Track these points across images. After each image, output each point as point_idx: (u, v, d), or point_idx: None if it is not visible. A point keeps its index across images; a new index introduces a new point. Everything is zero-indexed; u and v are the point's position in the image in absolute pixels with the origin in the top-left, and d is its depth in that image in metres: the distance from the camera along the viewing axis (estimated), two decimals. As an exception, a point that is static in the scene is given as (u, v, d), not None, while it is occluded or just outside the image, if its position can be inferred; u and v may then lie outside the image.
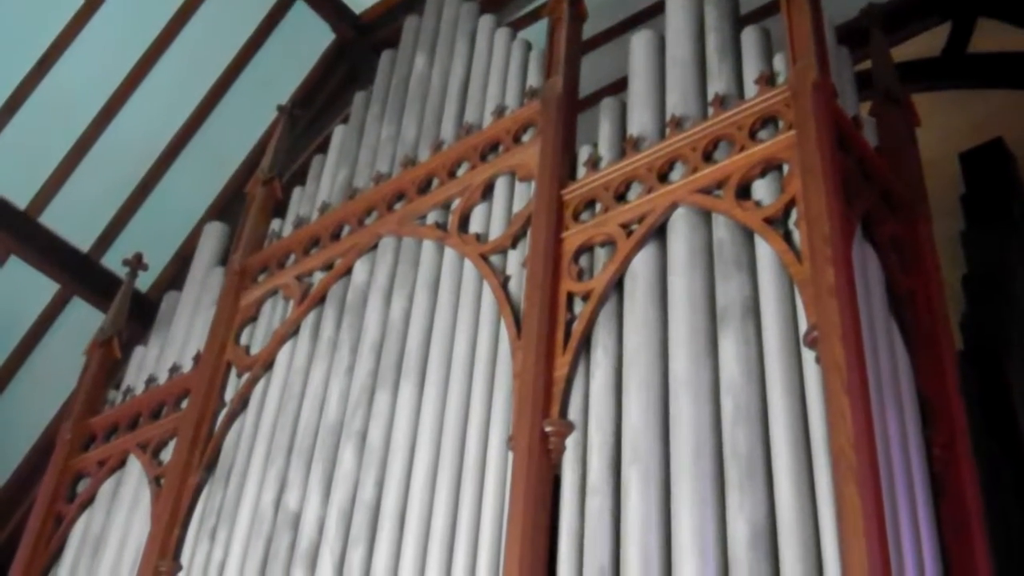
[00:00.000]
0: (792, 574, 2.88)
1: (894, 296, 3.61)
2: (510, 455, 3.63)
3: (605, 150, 4.19)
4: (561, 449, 3.56)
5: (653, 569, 3.09)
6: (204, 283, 5.67)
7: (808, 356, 3.20)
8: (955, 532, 3.30)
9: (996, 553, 3.35)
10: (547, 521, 3.45)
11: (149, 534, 4.59)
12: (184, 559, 4.47)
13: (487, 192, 4.51)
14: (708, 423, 3.27)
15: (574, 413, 3.62)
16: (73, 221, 6.99)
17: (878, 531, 2.79)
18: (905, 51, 5.79)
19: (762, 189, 3.60)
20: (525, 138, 4.51)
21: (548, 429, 3.58)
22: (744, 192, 3.63)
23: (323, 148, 5.87)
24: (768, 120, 3.72)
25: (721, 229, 3.62)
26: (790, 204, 3.47)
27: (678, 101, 4.06)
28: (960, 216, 5.66)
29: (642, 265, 3.75)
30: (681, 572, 3.01)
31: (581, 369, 3.71)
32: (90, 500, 5.18)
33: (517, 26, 6.07)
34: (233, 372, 4.96)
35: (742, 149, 3.69)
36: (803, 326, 3.25)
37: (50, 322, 7.16)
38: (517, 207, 4.32)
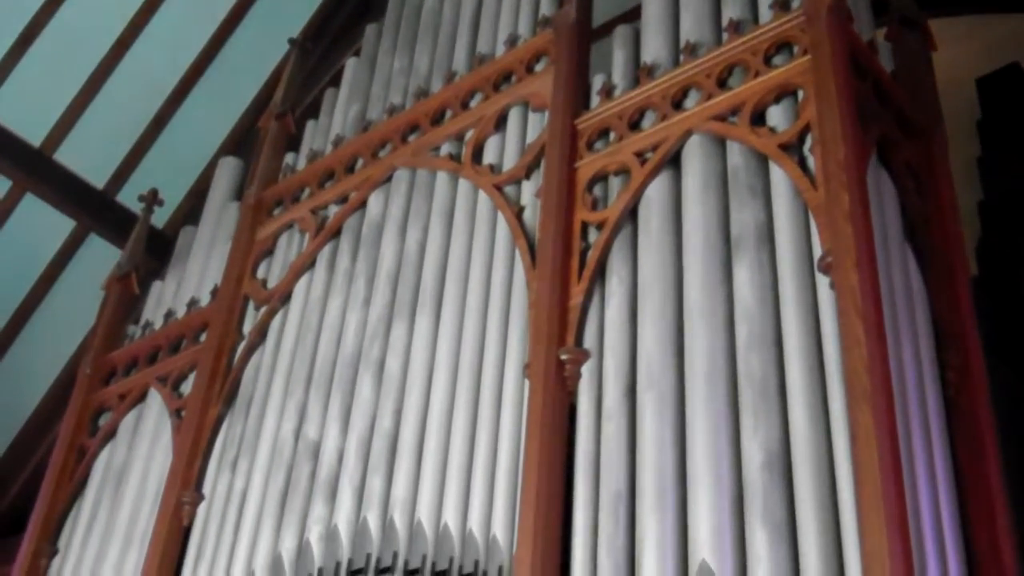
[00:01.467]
0: (806, 497, 2.91)
1: (909, 221, 3.60)
2: (526, 383, 3.66)
3: (619, 78, 4.17)
4: (577, 376, 3.59)
5: (668, 493, 3.12)
6: (220, 218, 5.69)
7: (822, 281, 3.20)
8: (969, 455, 3.32)
9: (1009, 475, 3.37)
10: (563, 447, 3.49)
11: (171, 465, 4.66)
12: (206, 489, 4.53)
13: (500, 123, 4.50)
14: (722, 349, 3.29)
15: (589, 341, 3.65)
16: (88, 158, 7.01)
17: (892, 454, 2.81)
18: (922, -26, 5.71)
19: (777, 115, 3.58)
20: (538, 68, 4.49)
21: (564, 357, 3.60)
22: (759, 118, 3.62)
23: (335, 81, 5.85)
24: (783, 45, 3.69)
25: (736, 156, 3.61)
26: (805, 130, 3.46)
27: (692, 27, 4.03)
28: (976, 141, 5.62)
29: (656, 193, 3.75)
30: (696, 496, 3.05)
31: (596, 297, 3.73)
32: (112, 433, 5.25)
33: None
34: (250, 305, 5.00)
35: (757, 75, 3.67)
36: (817, 252, 3.25)
37: (67, 259, 7.20)
38: (531, 137, 4.32)
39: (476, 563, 3.43)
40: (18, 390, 7.16)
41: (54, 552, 5.07)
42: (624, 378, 3.47)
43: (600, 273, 3.75)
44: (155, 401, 5.11)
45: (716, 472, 3.06)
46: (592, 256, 3.77)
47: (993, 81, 5.80)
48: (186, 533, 4.47)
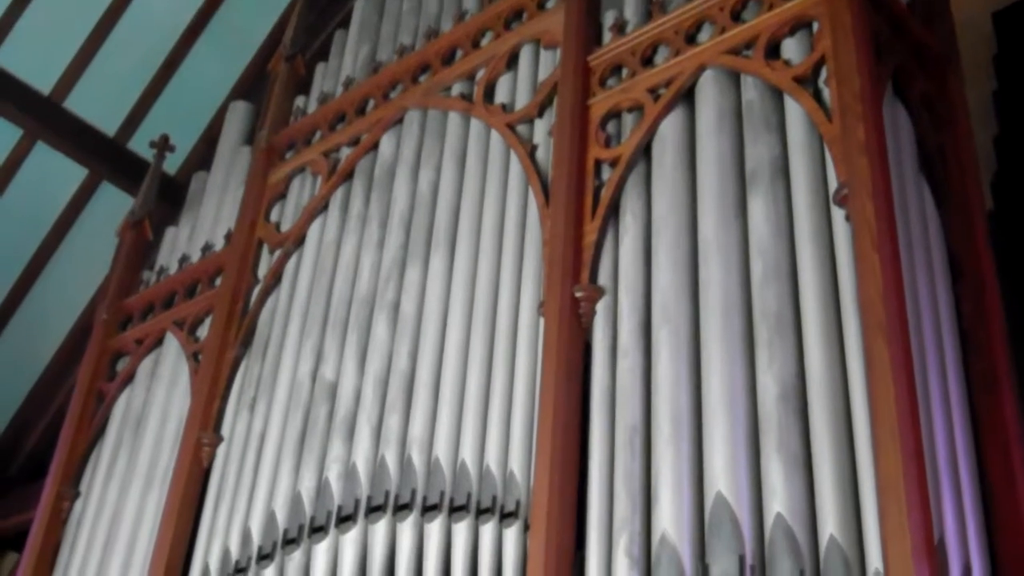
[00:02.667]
0: (821, 429, 2.92)
1: (925, 154, 3.58)
2: (541, 321, 3.67)
3: (631, 14, 4.14)
4: (591, 314, 3.60)
5: (684, 426, 3.14)
6: (232, 162, 5.70)
7: (838, 214, 3.20)
8: (984, 389, 3.33)
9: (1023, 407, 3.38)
10: (579, 384, 3.51)
11: (189, 408, 4.70)
12: (225, 431, 4.57)
13: (512, 61, 4.47)
14: (737, 283, 3.29)
15: (604, 278, 3.65)
16: (98, 105, 6.99)
17: (907, 386, 2.82)
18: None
19: (792, 48, 3.55)
20: (549, 4, 4.45)
21: (578, 294, 3.61)
22: (773, 51, 3.59)
23: (345, 23, 5.81)
24: (797, -24, 3.66)
25: (750, 90, 3.59)
26: (820, 62, 3.43)
27: (704, -40, 3.99)
28: (992, 76, 5.57)
29: (670, 129, 3.73)
30: (712, 428, 3.07)
31: (610, 234, 3.73)
32: (130, 378, 5.29)
33: None
34: (265, 249, 5.01)
35: (771, 7, 3.64)
36: (833, 185, 3.24)
37: (80, 207, 7.21)
38: (543, 75, 4.29)
39: (494, 498, 3.46)
40: (35, 338, 7.21)
41: (76, 495, 5.13)
42: (639, 314, 3.48)
43: (614, 210, 3.75)
44: (172, 345, 5.14)
45: (731, 405, 3.07)
46: (606, 193, 3.76)
47: (1009, 15, 5.72)
48: (206, 474, 4.52)
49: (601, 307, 3.60)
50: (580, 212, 3.77)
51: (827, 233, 3.22)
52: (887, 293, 2.91)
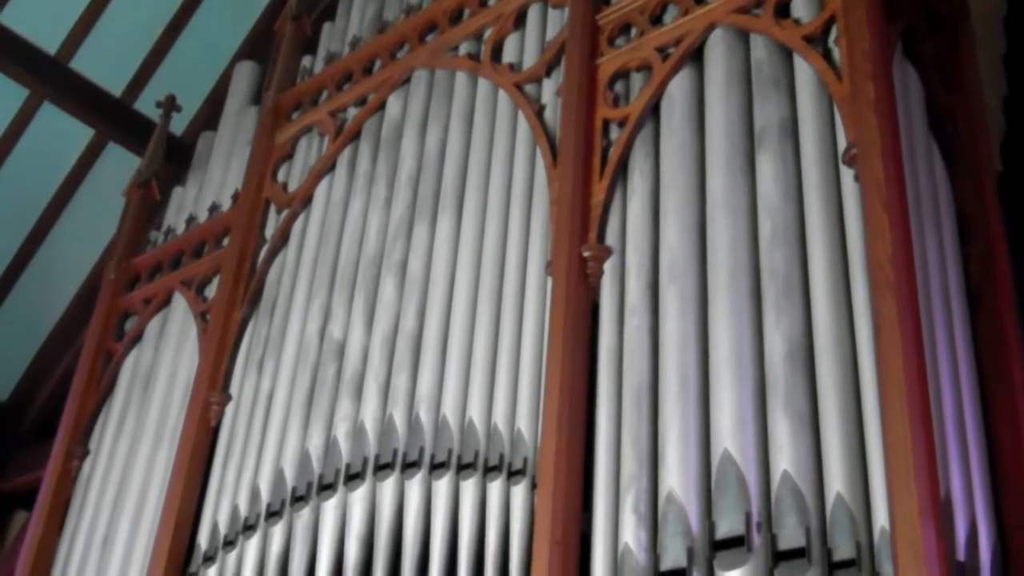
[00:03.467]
0: (829, 387, 2.93)
1: (934, 115, 3.57)
2: (549, 281, 3.68)
3: (640, -28, 4.11)
4: (599, 273, 3.60)
5: (691, 385, 3.15)
6: (238, 123, 5.69)
7: (847, 174, 3.19)
8: (991, 349, 3.34)
9: (1031, 367, 3.38)
10: (586, 344, 3.52)
11: (198, 367, 4.72)
12: (233, 390, 4.60)
13: (519, 20, 4.46)
14: (745, 244, 3.29)
15: (612, 238, 3.65)
16: (104, 65, 6.96)
17: (915, 345, 2.82)
18: None
19: (801, 7, 3.53)
20: (557, -37, 4.43)
21: (586, 254, 3.61)
22: (783, 10, 3.57)
23: (352, -18, 5.77)
24: (807, -67, 3.63)
25: (759, 49, 3.58)
26: (830, 21, 3.42)
27: (714, -84, 3.96)
28: (1002, 38, 5.53)
29: (679, 89, 3.72)
30: (719, 387, 3.08)
31: (618, 194, 3.73)
32: (138, 337, 5.31)
33: None
34: (272, 209, 5.02)
35: (780, -34, 3.62)
36: (842, 144, 3.23)
37: (87, 168, 7.19)
38: (550, 34, 4.28)
39: (501, 456, 3.48)
40: (43, 299, 7.22)
41: (85, 453, 5.16)
42: (647, 274, 3.48)
43: (622, 170, 3.74)
44: (180, 305, 5.15)
45: (739, 364, 3.08)
46: (614, 153, 3.75)
47: (1020, -24, 5.68)
48: (215, 433, 4.54)
49: (609, 267, 3.60)
50: (588, 172, 3.76)
51: (836, 193, 3.22)
52: (896, 253, 2.91)
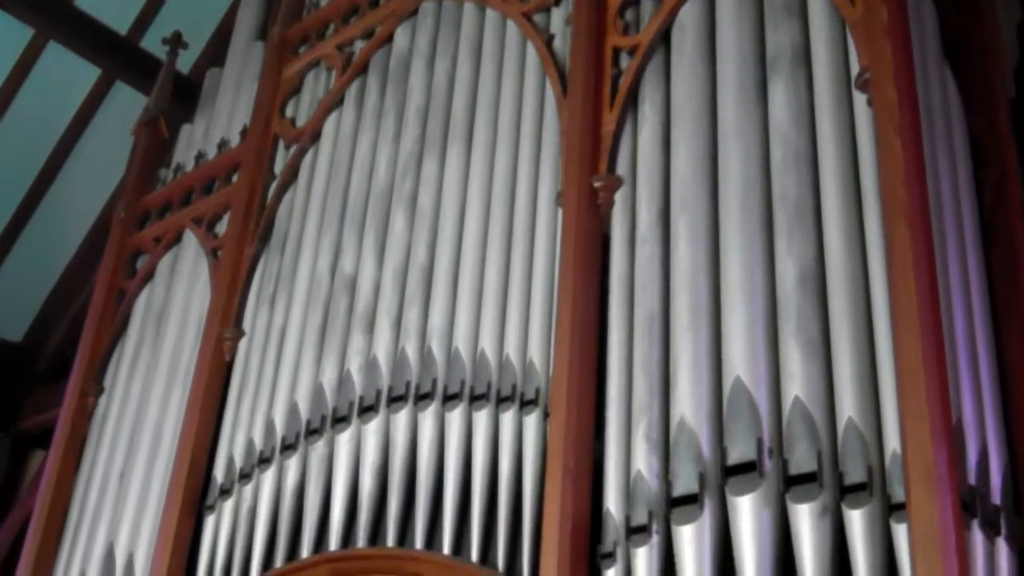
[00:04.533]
0: (840, 313, 2.94)
1: (948, 39, 3.53)
2: (559, 212, 3.67)
3: None
4: (610, 203, 3.60)
5: (702, 313, 3.15)
6: (245, 58, 5.65)
7: (860, 99, 3.17)
8: (1004, 276, 3.32)
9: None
10: (597, 273, 3.52)
11: (210, 304, 4.74)
12: (246, 325, 4.62)
13: (528, -51, 4.40)
14: (757, 170, 3.27)
15: (622, 168, 3.64)
16: (109, 4, 6.91)
17: (927, 270, 2.81)
18: None
19: (814, -71, 3.49)
20: None
21: (596, 184, 3.61)
22: (796, -66, 3.53)
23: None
24: None
25: (771, -26, 3.54)
26: (842, -56, 3.37)
27: None
28: (1017, -37, 5.46)
29: (689, 17, 3.68)
30: (730, 314, 3.08)
31: (628, 124, 3.71)
32: (150, 275, 5.32)
33: None
34: (280, 144, 5.00)
35: None
36: (855, 69, 3.21)
37: (94, 107, 7.17)
38: (559, -37, 4.23)
39: (513, 387, 3.50)
40: (54, 239, 7.24)
41: (100, 391, 5.19)
42: (657, 203, 3.47)
43: (632, 99, 3.72)
44: (191, 242, 5.16)
45: (750, 291, 3.08)
46: (624, 82, 3.73)
47: (1036, -102, 5.60)
48: (228, 368, 4.57)
49: (619, 197, 3.60)
50: (598, 102, 3.74)
51: (848, 118, 3.20)
52: (909, 177, 2.89)
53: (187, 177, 5.41)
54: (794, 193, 3.15)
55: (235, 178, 5.09)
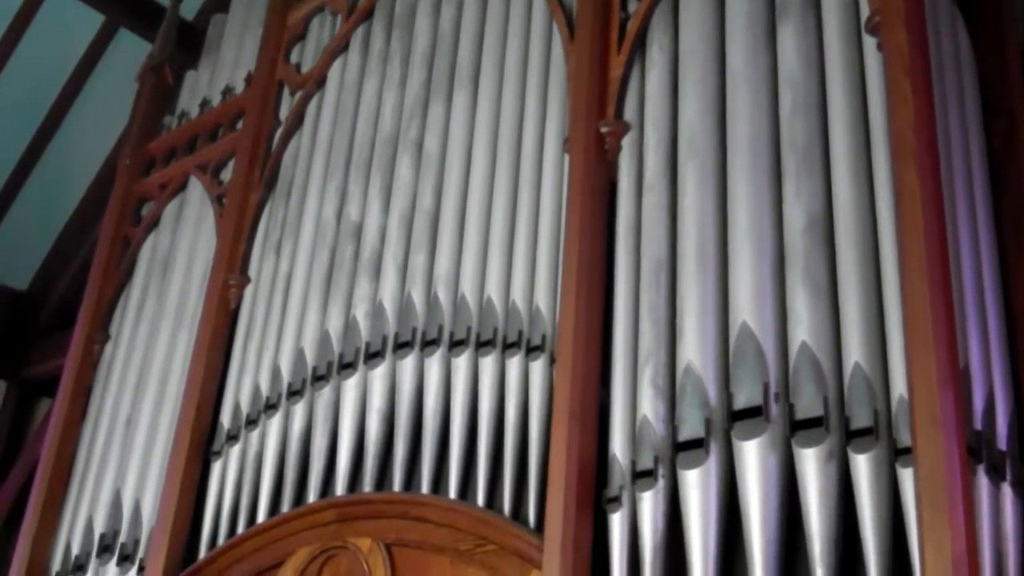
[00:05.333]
0: (848, 259, 2.93)
1: (959, -16, 3.49)
2: (566, 157, 3.65)
3: None
4: (617, 149, 3.58)
5: (709, 259, 3.15)
6: (250, 4, 5.61)
7: (870, 44, 3.14)
8: (1012, 223, 3.30)
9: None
10: (604, 219, 3.51)
11: (216, 250, 4.73)
12: (251, 272, 4.61)
13: None
14: (766, 116, 3.25)
15: (630, 113, 3.62)
16: (112, -51, 6.85)
17: (936, 215, 2.80)
18: None
19: None
20: None
21: (604, 130, 3.58)
22: None
23: None
24: None
25: (781, -84, 3.49)
26: None
27: None
28: (1029, -91, 5.40)
29: (698, -41, 3.64)
30: (737, 260, 3.07)
31: (636, 68, 3.68)
32: (155, 222, 5.32)
33: None
34: (286, 90, 4.98)
35: None
36: (865, 13, 3.17)
37: (98, 55, 7.11)
38: (566, -94, 4.18)
39: (520, 333, 3.50)
40: (59, 187, 7.21)
41: (106, 338, 5.21)
42: (665, 149, 3.45)
43: (640, 43, 3.69)
44: (196, 189, 5.15)
45: (757, 237, 3.06)
46: (632, 26, 3.69)
47: None
48: (234, 315, 4.57)
49: (627, 142, 3.58)
50: (606, 46, 3.71)
51: (858, 63, 3.17)
52: (918, 122, 2.87)
53: (192, 124, 5.40)
54: (803, 138, 3.13)
55: (240, 125, 5.08)
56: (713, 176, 3.28)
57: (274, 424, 4.01)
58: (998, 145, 3.40)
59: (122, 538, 4.43)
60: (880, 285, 2.88)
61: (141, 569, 4.25)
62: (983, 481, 2.68)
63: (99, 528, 4.55)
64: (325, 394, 3.89)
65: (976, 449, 2.69)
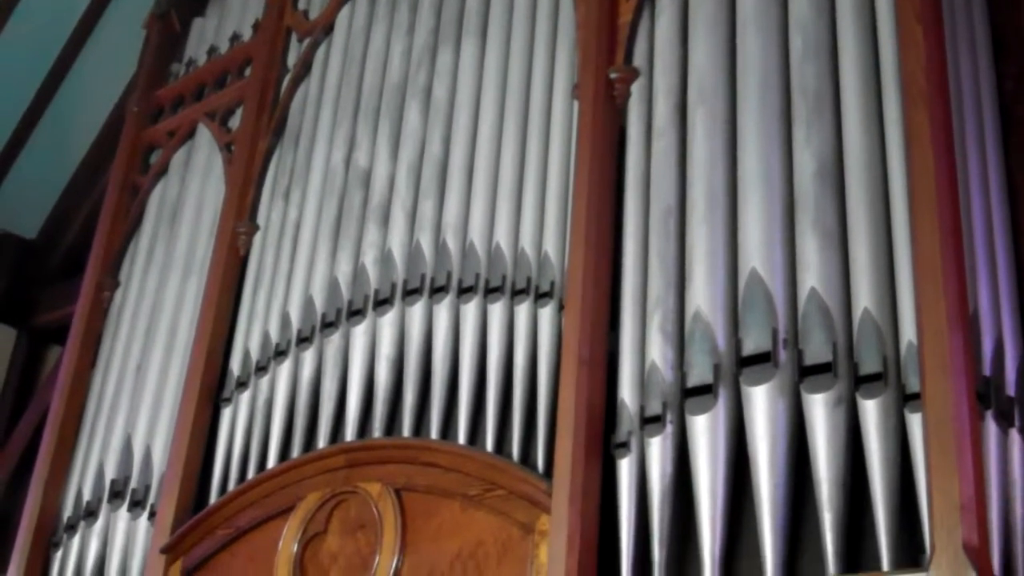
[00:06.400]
0: (858, 204, 2.91)
1: (970, -73, 3.45)
2: (575, 104, 3.64)
3: None
4: (626, 95, 3.56)
5: (719, 205, 3.14)
6: (257, -51, 5.56)
7: (880, -14, 3.11)
8: (1022, 168, 3.29)
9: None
10: (613, 166, 3.50)
11: (224, 198, 4.73)
12: (260, 220, 4.62)
13: None
14: (776, 61, 3.23)
15: (639, 59, 3.59)
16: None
17: (947, 158, 2.79)
18: None
19: None
20: None
21: (613, 76, 3.56)
22: None
23: None
24: None
25: None
26: None
27: None
28: None
29: (707, -96, 3.60)
30: (747, 206, 3.06)
31: (646, 14, 3.65)
32: (163, 170, 5.31)
33: None
34: (293, 37, 4.95)
35: None
36: (875, -44, 3.14)
37: (105, 3, 7.08)
38: None
39: (528, 279, 3.51)
40: (68, 135, 7.20)
41: (116, 285, 5.22)
42: (675, 95, 3.43)
43: (650, -11, 3.66)
44: (204, 136, 5.14)
45: (767, 182, 3.05)
46: (642, -29, 3.66)
47: None
48: (243, 262, 4.58)
49: (636, 89, 3.55)
50: (615, -9, 3.68)
51: (869, 6, 3.14)
52: (929, 65, 2.85)
53: (200, 71, 5.37)
54: (813, 83, 3.11)
55: (248, 72, 5.05)
56: (723, 122, 3.26)
57: (284, 371, 4.03)
58: (1010, 88, 3.38)
59: (133, 484, 4.47)
60: (890, 230, 2.87)
61: (152, 514, 4.30)
62: (991, 427, 2.68)
63: (110, 474, 4.59)
64: (334, 341, 3.90)
65: (984, 395, 2.69)
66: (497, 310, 3.52)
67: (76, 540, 4.56)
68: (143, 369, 4.75)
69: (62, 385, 5.05)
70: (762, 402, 2.81)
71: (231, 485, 4.04)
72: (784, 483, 2.76)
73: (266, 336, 4.20)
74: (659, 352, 3.07)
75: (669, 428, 2.97)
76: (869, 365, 2.73)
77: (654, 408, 3.01)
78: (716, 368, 2.93)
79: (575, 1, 3.79)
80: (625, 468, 3.02)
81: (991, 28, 3.39)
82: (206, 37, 5.55)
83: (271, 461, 3.94)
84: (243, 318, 4.41)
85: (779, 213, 3.02)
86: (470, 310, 3.58)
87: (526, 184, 3.68)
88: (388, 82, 4.32)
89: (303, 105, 4.71)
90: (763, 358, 2.87)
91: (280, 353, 4.10)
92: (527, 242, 3.57)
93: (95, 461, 4.71)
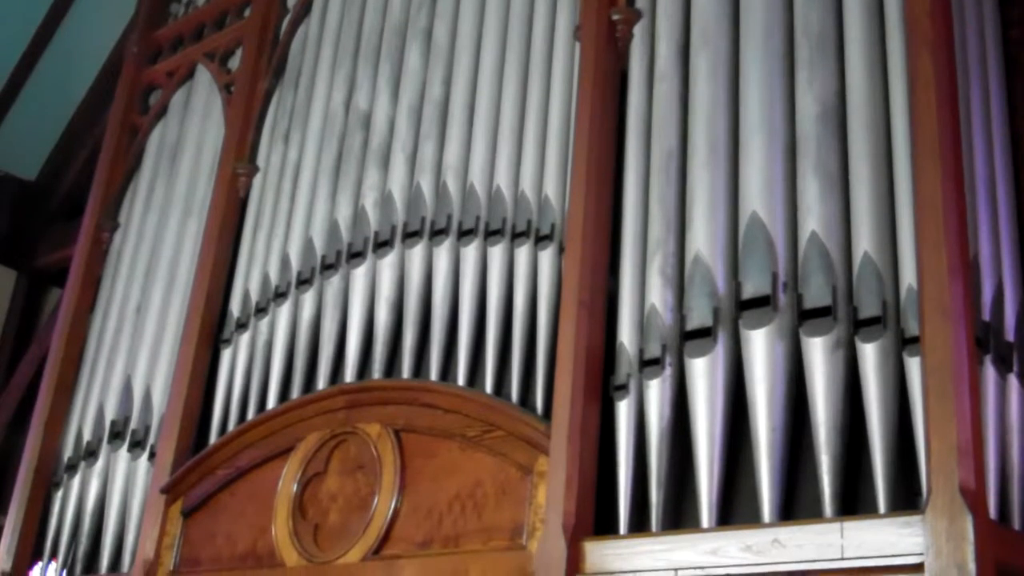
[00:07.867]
0: (860, 148, 2.90)
1: None
2: (577, 46, 3.61)
3: None
4: (628, 37, 3.53)
5: (720, 149, 3.12)
6: None
7: (886, -72, 3.08)
8: (1025, 113, 3.28)
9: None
10: (615, 109, 3.47)
11: (224, 139, 4.72)
12: (260, 161, 4.60)
13: None
14: (780, 4, 3.20)
15: (642, 1, 3.56)
16: None
17: (950, 103, 2.77)
18: None
19: None
20: None
21: (615, 17, 3.53)
22: None
23: None
24: None
25: None
26: None
27: None
28: None
29: None
30: (748, 150, 3.04)
31: (649, -45, 3.61)
32: (163, 111, 5.28)
33: None
34: (294, -23, 4.90)
35: None
36: None
37: (104, -56, 7.03)
38: None
39: (529, 222, 3.50)
40: (67, 77, 7.16)
41: (115, 226, 5.21)
42: (677, 37, 3.40)
43: (654, -71, 3.61)
44: (203, 77, 5.11)
45: (769, 126, 3.04)
46: (645, -88, 3.62)
47: None
48: (243, 203, 4.57)
49: (638, 31, 3.52)
50: (618, -69, 3.64)
51: (874, -51, 3.11)
52: (934, 9, 2.82)
53: (198, 11, 5.33)
54: (816, 26, 3.09)
55: (247, 12, 5.01)
56: (725, 65, 3.24)
57: (283, 312, 4.03)
58: (1014, 35, 3.35)
59: (133, 424, 4.49)
60: (892, 175, 2.86)
61: (152, 455, 4.32)
62: (990, 372, 2.69)
63: (110, 415, 4.60)
64: (334, 283, 3.90)
65: (984, 340, 2.69)
66: (497, 253, 3.52)
67: (76, 480, 4.59)
68: (143, 310, 4.76)
69: (62, 326, 5.06)
70: (761, 345, 2.81)
71: (231, 426, 4.06)
72: (782, 426, 2.77)
73: (266, 278, 4.20)
74: (659, 295, 3.07)
75: (668, 371, 2.98)
76: (868, 309, 2.73)
77: (653, 351, 3.01)
78: (715, 311, 2.93)
79: (578, -59, 3.75)
80: (624, 410, 3.03)
81: (997, -27, 3.36)
82: (205, -24, 5.50)
83: (271, 402, 3.96)
84: (243, 259, 4.41)
85: (781, 157, 3.00)
86: (470, 252, 3.58)
87: (527, 127, 3.66)
88: (389, 23, 4.29)
89: (303, 46, 4.68)
90: (762, 301, 2.87)
91: (280, 295, 4.10)
92: (527, 185, 3.56)
93: (95, 402, 4.73)
